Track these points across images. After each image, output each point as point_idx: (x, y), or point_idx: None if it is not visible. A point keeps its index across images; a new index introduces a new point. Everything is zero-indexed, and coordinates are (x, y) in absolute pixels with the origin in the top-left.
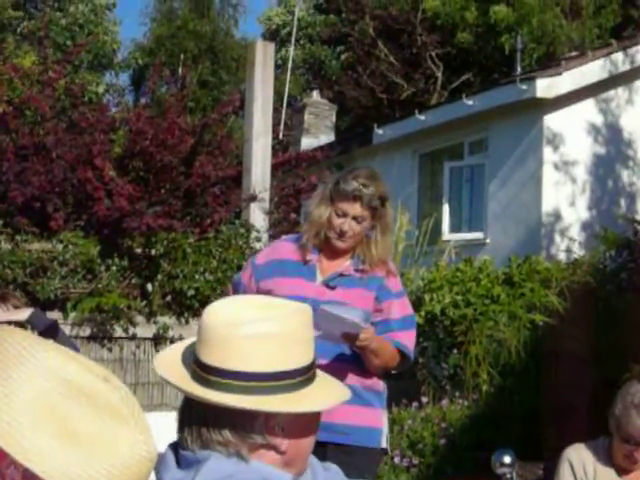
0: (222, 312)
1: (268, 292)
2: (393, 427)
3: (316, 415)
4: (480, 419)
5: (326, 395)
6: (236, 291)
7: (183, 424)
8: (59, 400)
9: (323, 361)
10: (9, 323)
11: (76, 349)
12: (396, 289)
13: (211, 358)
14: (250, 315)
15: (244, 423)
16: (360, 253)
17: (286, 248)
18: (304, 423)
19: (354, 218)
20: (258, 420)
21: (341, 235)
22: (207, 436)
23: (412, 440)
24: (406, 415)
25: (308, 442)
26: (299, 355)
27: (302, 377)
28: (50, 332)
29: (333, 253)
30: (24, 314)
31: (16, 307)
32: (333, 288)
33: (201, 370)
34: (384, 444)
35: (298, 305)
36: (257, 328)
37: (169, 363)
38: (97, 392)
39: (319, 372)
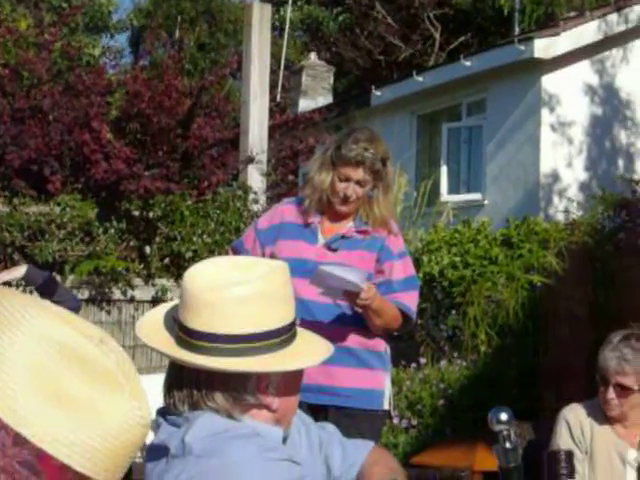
0: (204, 276)
1: (272, 256)
2: (392, 388)
3: (302, 372)
4: (478, 380)
5: (312, 351)
6: (239, 255)
7: (172, 387)
8: (52, 364)
9: (323, 323)
10: (5, 283)
11: (76, 301)
12: (398, 250)
13: (198, 323)
14: (233, 277)
15: (236, 385)
16: (362, 214)
17: (288, 211)
18: (293, 380)
19: (357, 182)
20: (250, 381)
21: (345, 200)
22: (198, 398)
23: (411, 401)
24: (405, 376)
25: (296, 398)
26: (283, 313)
27: (287, 335)
28: (48, 286)
29: (335, 215)
30: (20, 271)
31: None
32: (335, 250)
33: (187, 336)
34: (386, 406)
35: (276, 263)
36: (241, 290)
37: (152, 330)
38: (91, 356)
39: (299, 328)
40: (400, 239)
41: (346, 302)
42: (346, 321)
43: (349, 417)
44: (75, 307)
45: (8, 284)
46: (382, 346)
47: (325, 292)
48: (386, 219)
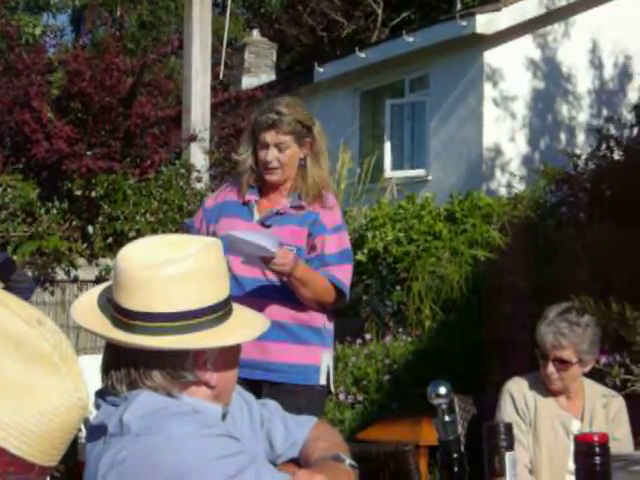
0: (137, 255)
1: (213, 234)
2: (337, 364)
3: (239, 347)
4: (423, 355)
5: (248, 325)
6: (190, 234)
7: (109, 368)
8: None
9: (256, 298)
10: None
11: (32, 282)
12: (332, 224)
13: (132, 303)
14: (165, 255)
15: (174, 363)
16: (297, 187)
17: (229, 189)
18: (230, 356)
19: (275, 146)
20: (188, 358)
21: (266, 167)
22: (136, 378)
23: (356, 377)
24: (350, 352)
25: (234, 374)
26: (218, 290)
27: (222, 311)
28: (7, 266)
29: (271, 191)
30: None
31: None
32: (268, 227)
33: (123, 316)
34: (322, 381)
35: (209, 240)
36: (175, 268)
37: (86, 311)
38: (26, 338)
39: (235, 304)
40: (336, 212)
41: (266, 269)
42: (278, 295)
43: (284, 393)
44: (31, 288)
45: None
46: (320, 320)
47: (245, 260)
48: (321, 191)
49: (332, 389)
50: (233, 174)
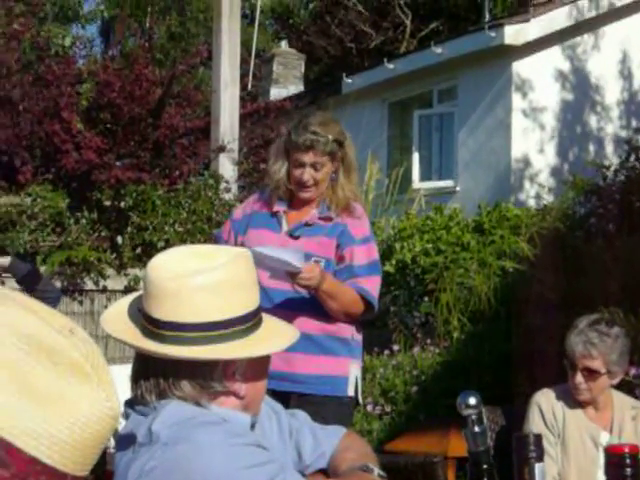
0: (167, 265)
1: (242, 245)
2: (365, 375)
3: (268, 357)
4: (451, 366)
5: (277, 336)
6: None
7: (138, 377)
8: (19, 356)
9: (283, 310)
10: None
11: (58, 291)
12: (361, 235)
13: (162, 312)
14: (195, 266)
15: (203, 373)
16: (326, 198)
17: (258, 200)
18: (259, 366)
19: (312, 166)
20: (217, 368)
21: (302, 185)
22: (165, 388)
23: (384, 388)
24: (378, 363)
25: (263, 384)
26: (247, 300)
27: (252, 321)
28: (32, 277)
29: (300, 203)
30: (5, 260)
31: None
32: (297, 238)
33: (152, 325)
34: (350, 392)
35: (239, 250)
36: (205, 279)
37: (117, 321)
38: (58, 347)
39: (264, 315)
40: (365, 223)
41: (295, 284)
42: (306, 307)
43: (312, 404)
44: (58, 297)
45: None
46: (348, 332)
47: (272, 275)
48: (350, 202)
49: (360, 400)
50: (261, 185)
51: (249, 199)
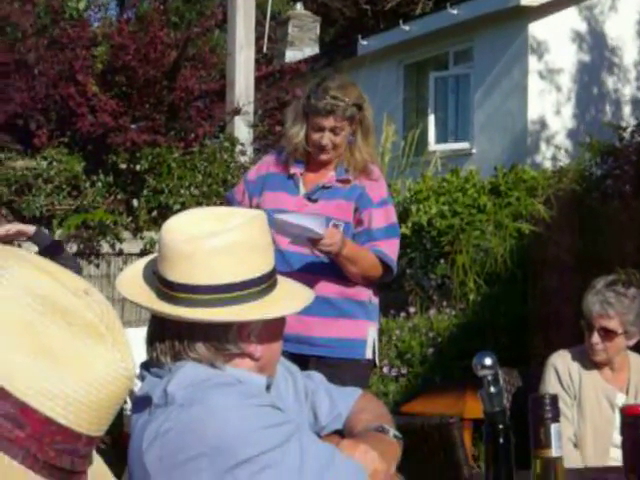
0: (181, 228)
1: (257, 207)
2: (381, 337)
3: (283, 319)
4: (467, 328)
5: (292, 298)
6: (232, 206)
7: (154, 340)
8: (33, 317)
9: (301, 273)
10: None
11: (78, 265)
12: (379, 198)
13: (177, 275)
14: (209, 228)
15: (218, 335)
16: (344, 160)
17: (273, 162)
18: (274, 328)
19: (331, 130)
20: (231, 330)
21: (321, 149)
22: (180, 349)
23: (400, 350)
24: (394, 325)
25: (279, 346)
26: (262, 262)
27: (267, 283)
28: (56, 247)
29: (317, 165)
30: (31, 229)
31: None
32: (315, 201)
33: (167, 288)
34: (369, 355)
35: (253, 212)
36: (219, 241)
37: (132, 284)
38: (73, 308)
39: (279, 277)
40: (382, 185)
41: (315, 250)
42: (324, 271)
43: (330, 367)
44: (77, 271)
45: (9, 243)
46: (365, 295)
47: (293, 241)
48: (367, 164)
49: (377, 363)
50: (277, 146)
51: (263, 160)
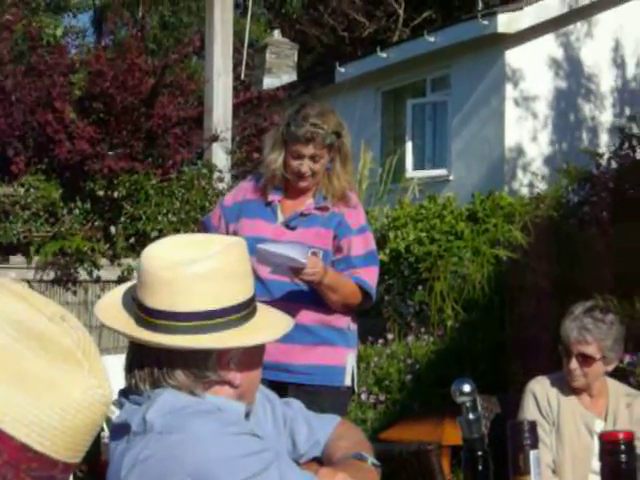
0: (161, 255)
1: (234, 234)
2: (360, 364)
3: (263, 347)
4: (446, 354)
5: (272, 325)
6: (208, 232)
7: (132, 367)
8: (9, 343)
9: (280, 301)
10: None
11: None
12: (357, 225)
13: (157, 302)
14: (190, 255)
15: (197, 362)
16: (322, 188)
17: (251, 188)
18: (254, 355)
19: (310, 158)
20: (211, 358)
21: (300, 177)
22: (159, 377)
23: (378, 377)
24: (372, 352)
25: (258, 373)
26: (241, 289)
27: (246, 310)
28: None
29: (295, 192)
30: None
31: None
32: (293, 228)
33: (146, 315)
34: (347, 382)
35: (233, 239)
36: (200, 267)
37: (111, 310)
38: (49, 334)
39: (259, 304)
40: (360, 213)
41: (296, 279)
42: (304, 299)
43: (309, 394)
44: None
45: None
46: (344, 322)
47: (274, 270)
48: (346, 191)
49: (356, 390)
50: (254, 173)
51: (240, 186)
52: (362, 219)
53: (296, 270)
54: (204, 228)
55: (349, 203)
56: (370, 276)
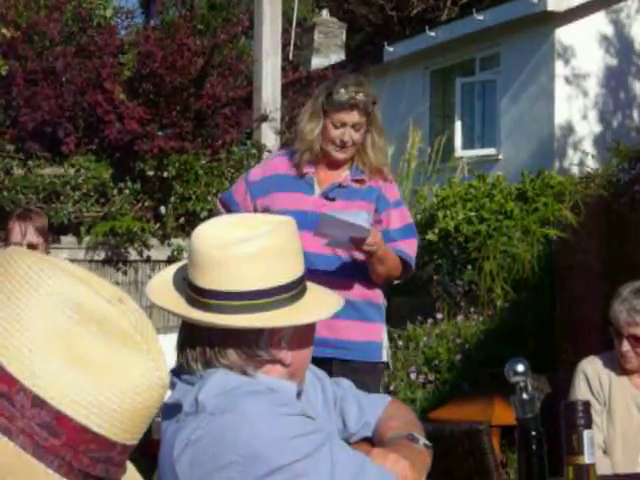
0: (212, 234)
1: (266, 209)
2: (409, 344)
3: (313, 325)
4: (495, 334)
5: (322, 304)
6: (228, 209)
7: (184, 346)
8: (69, 325)
9: (325, 275)
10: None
11: None
12: (394, 198)
13: (207, 281)
14: (240, 234)
15: (249, 341)
16: (358, 161)
17: (281, 163)
18: (305, 334)
19: (353, 126)
20: (263, 337)
21: (342, 146)
22: (211, 356)
23: (428, 357)
24: (421, 332)
25: (309, 352)
26: (292, 268)
27: (297, 289)
28: None
29: (330, 165)
30: None
31: (38, 229)
32: (332, 200)
33: (198, 294)
34: (385, 357)
35: (282, 218)
36: (250, 247)
37: (162, 290)
38: (108, 317)
39: (309, 283)
40: (395, 186)
41: (352, 251)
42: (348, 272)
43: (352, 370)
44: None
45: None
46: (380, 298)
47: (330, 242)
48: (381, 164)
49: (390, 365)
50: (284, 149)
51: (266, 161)
52: (397, 193)
53: (357, 240)
54: (224, 204)
55: (386, 176)
56: (410, 248)
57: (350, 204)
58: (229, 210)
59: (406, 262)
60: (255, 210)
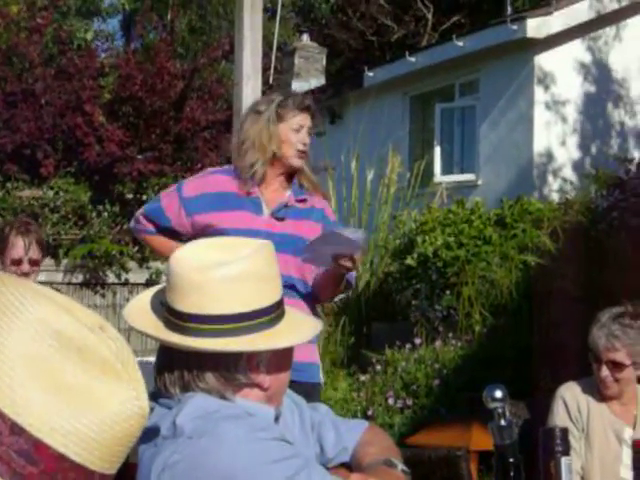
0: (191, 258)
1: (207, 226)
2: (387, 369)
3: (291, 349)
4: (473, 359)
5: (300, 327)
6: (156, 224)
7: (162, 370)
8: (50, 353)
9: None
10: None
11: None
12: (333, 217)
13: (186, 305)
14: (219, 257)
15: (227, 365)
16: (298, 179)
17: (221, 180)
18: (283, 357)
19: (308, 130)
20: (241, 360)
21: (301, 150)
22: (189, 380)
23: (406, 381)
24: (400, 357)
25: (287, 375)
26: (271, 291)
27: (276, 313)
28: None
29: (272, 184)
30: None
31: (39, 243)
32: (282, 219)
33: (176, 318)
34: (322, 379)
35: (261, 242)
36: (230, 270)
37: (140, 313)
38: (89, 345)
39: (286, 306)
40: (329, 205)
41: (329, 265)
42: (300, 295)
43: (304, 392)
44: None
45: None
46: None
47: (313, 258)
48: (317, 181)
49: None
50: (222, 167)
51: (204, 177)
52: (332, 212)
53: (342, 256)
54: (151, 220)
55: (324, 194)
56: None
57: (300, 224)
58: (157, 225)
59: (347, 280)
60: (192, 226)
